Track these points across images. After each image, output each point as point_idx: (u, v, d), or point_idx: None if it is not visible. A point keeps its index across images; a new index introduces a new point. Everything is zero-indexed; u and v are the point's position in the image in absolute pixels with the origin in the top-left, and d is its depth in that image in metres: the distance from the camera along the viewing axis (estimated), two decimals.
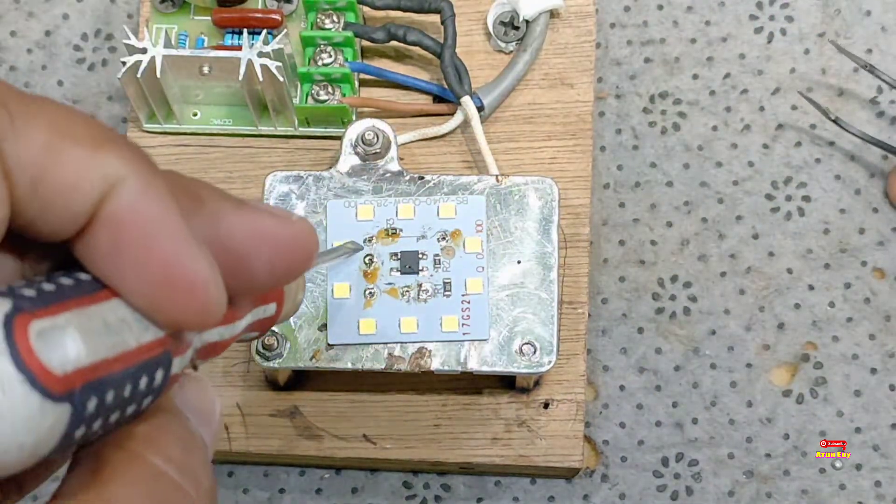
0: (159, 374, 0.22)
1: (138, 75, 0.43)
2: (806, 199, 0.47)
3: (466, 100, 0.45)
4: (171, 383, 0.23)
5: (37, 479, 0.23)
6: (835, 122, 0.46)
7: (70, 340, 0.20)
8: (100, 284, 0.21)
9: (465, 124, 0.46)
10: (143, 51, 0.43)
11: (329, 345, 0.40)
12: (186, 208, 0.22)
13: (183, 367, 0.23)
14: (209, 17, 0.46)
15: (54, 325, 0.20)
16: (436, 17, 0.46)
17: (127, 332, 0.21)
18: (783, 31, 0.49)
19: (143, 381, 0.22)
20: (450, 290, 0.41)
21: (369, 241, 0.41)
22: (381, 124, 0.43)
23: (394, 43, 0.46)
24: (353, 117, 0.46)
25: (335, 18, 0.46)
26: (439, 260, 0.41)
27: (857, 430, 0.45)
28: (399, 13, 0.46)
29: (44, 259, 0.22)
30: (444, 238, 0.41)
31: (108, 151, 0.21)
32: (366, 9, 0.46)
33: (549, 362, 0.40)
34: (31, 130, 0.20)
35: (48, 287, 0.20)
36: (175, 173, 0.22)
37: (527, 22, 0.47)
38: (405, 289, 0.41)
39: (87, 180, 0.20)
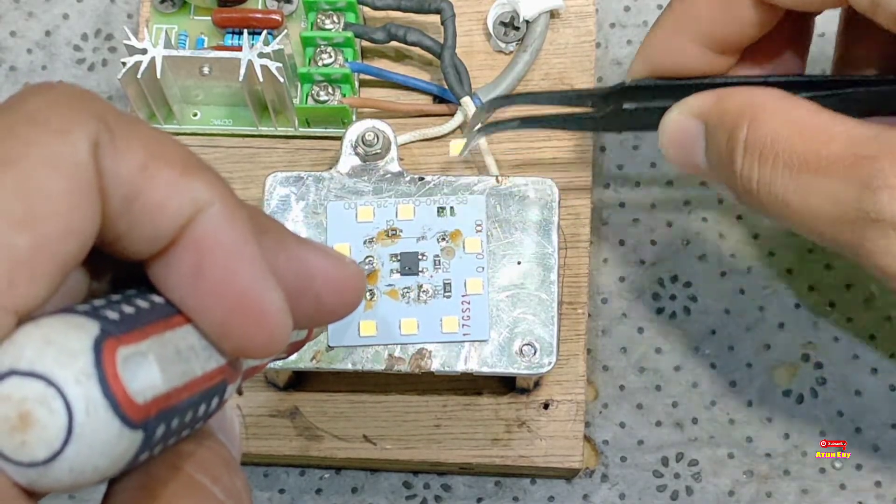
0: (215, 402, 0.22)
1: (138, 76, 0.43)
2: None
3: (466, 100, 0.45)
4: (220, 408, 0.23)
5: None
6: None
7: (151, 369, 0.20)
8: (172, 308, 0.22)
9: (466, 125, 0.46)
10: (143, 51, 0.43)
11: (329, 346, 0.40)
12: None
13: (231, 394, 0.24)
14: (209, 18, 0.46)
15: (137, 352, 0.20)
16: (436, 18, 0.46)
17: (194, 361, 0.21)
18: None
19: (202, 409, 0.22)
20: (450, 291, 0.41)
21: (369, 242, 0.41)
22: (381, 125, 0.43)
23: (394, 43, 0.46)
24: (354, 118, 0.46)
25: (335, 19, 0.46)
26: (439, 261, 0.41)
27: (857, 430, 0.45)
28: (399, 13, 0.46)
29: (110, 275, 0.23)
30: (443, 239, 0.41)
31: (196, 176, 0.21)
32: (366, 9, 0.46)
33: (550, 363, 0.40)
34: (130, 149, 0.21)
35: (128, 310, 0.21)
36: (245, 202, 0.23)
37: (527, 22, 0.47)
38: (405, 290, 0.41)
39: (177, 202, 0.21)
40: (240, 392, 0.24)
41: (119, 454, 0.20)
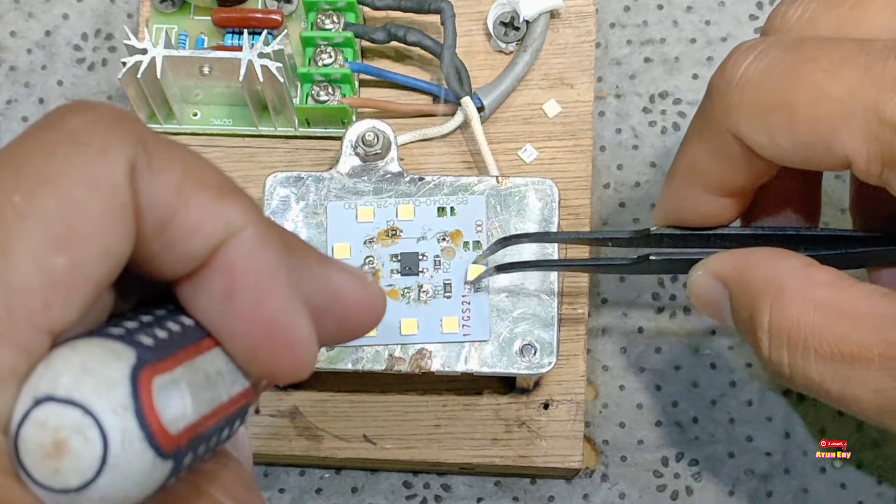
0: (237, 424, 0.23)
1: (138, 76, 0.43)
2: None
3: (467, 100, 0.45)
4: (239, 429, 0.23)
5: None
6: None
7: (184, 397, 0.20)
8: (200, 331, 0.22)
9: (466, 125, 0.46)
10: (144, 51, 0.43)
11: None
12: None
13: (251, 415, 0.24)
14: (209, 17, 0.46)
15: (172, 381, 0.20)
16: (436, 18, 0.46)
17: (221, 386, 0.22)
18: None
19: (225, 433, 0.22)
20: (450, 292, 0.41)
21: (369, 242, 0.41)
22: (381, 125, 0.43)
23: (394, 43, 0.46)
24: (354, 118, 0.46)
25: (335, 19, 0.46)
26: (439, 261, 0.41)
27: (858, 429, 0.45)
28: (399, 13, 0.46)
29: (136, 294, 0.23)
30: (444, 239, 0.41)
31: (231, 200, 0.21)
32: (366, 9, 0.46)
33: (550, 363, 0.40)
34: (166, 172, 0.21)
35: (161, 334, 0.21)
36: (276, 225, 0.23)
37: (527, 22, 0.47)
38: (405, 290, 0.41)
39: (211, 226, 0.21)
40: (257, 411, 0.24)
41: (149, 483, 0.20)
